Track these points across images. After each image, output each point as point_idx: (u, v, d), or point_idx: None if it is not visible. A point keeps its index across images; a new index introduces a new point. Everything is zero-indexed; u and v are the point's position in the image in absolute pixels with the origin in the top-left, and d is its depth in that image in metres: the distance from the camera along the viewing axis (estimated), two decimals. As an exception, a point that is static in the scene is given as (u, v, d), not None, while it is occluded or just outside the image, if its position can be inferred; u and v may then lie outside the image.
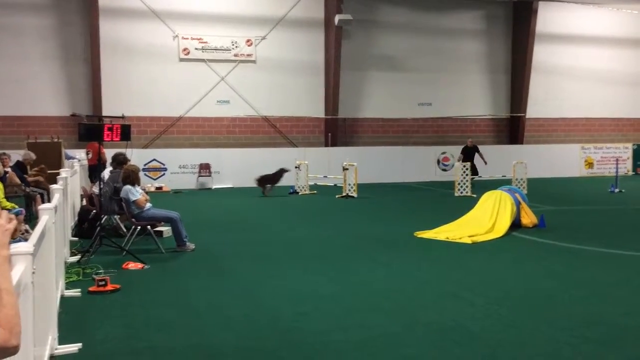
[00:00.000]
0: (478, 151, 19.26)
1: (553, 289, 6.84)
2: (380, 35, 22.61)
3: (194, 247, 9.04)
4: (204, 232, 10.64)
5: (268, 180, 17.13)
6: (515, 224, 10.72)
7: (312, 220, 12.84)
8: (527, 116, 23.97)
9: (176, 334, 5.32)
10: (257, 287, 6.98)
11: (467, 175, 16.91)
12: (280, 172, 17.17)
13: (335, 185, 17.62)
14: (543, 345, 4.97)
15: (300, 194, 17.56)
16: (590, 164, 23.42)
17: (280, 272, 7.70)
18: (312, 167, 18.22)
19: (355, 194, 16.54)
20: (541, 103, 24.18)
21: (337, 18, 20.94)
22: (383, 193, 17.73)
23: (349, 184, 16.48)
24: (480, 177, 18.53)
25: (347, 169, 16.68)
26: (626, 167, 23.78)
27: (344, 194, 16.53)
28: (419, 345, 5.00)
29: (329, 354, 4.82)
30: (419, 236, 10.11)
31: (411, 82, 22.96)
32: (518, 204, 10.95)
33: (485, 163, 18.74)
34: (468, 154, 19.18)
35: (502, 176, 18.13)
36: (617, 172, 18.48)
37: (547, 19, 23.88)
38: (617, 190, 17.26)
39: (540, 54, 23.81)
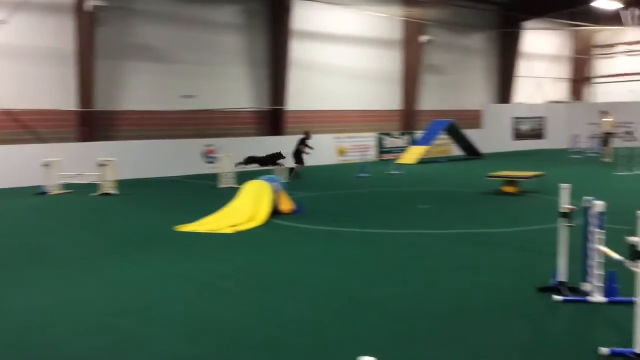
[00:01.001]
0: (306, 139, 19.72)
1: (305, 268, 7.30)
2: (139, 24, 21.63)
3: None
4: None
5: (255, 160, 16.34)
6: (275, 212, 11.17)
7: (63, 222, 11.78)
8: (287, 109, 25.22)
9: None
10: (-11, 301, 6.13)
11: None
12: (274, 156, 16.24)
13: (91, 183, 16.39)
14: (288, 321, 5.28)
15: (51, 194, 15.96)
16: (342, 152, 25.60)
17: (18, 283, 6.87)
18: (65, 164, 16.65)
19: (114, 191, 15.63)
20: (300, 96, 25.63)
21: (88, 3, 19.45)
22: (146, 188, 17.06)
23: (108, 181, 15.48)
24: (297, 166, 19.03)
25: (104, 165, 15.65)
26: (372, 154, 26.50)
27: (102, 192, 15.50)
28: (170, 340, 4.89)
29: (70, 365, 4.45)
30: (179, 230, 9.93)
31: (174, 74, 22.47)
32: (276, 191, 11.43)
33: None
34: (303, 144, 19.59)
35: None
36: (364, 159, 20.43)
37: (302, 17, 25.34)
38: (364, 175, 19.13)
39: (297, 50, 25.20)
